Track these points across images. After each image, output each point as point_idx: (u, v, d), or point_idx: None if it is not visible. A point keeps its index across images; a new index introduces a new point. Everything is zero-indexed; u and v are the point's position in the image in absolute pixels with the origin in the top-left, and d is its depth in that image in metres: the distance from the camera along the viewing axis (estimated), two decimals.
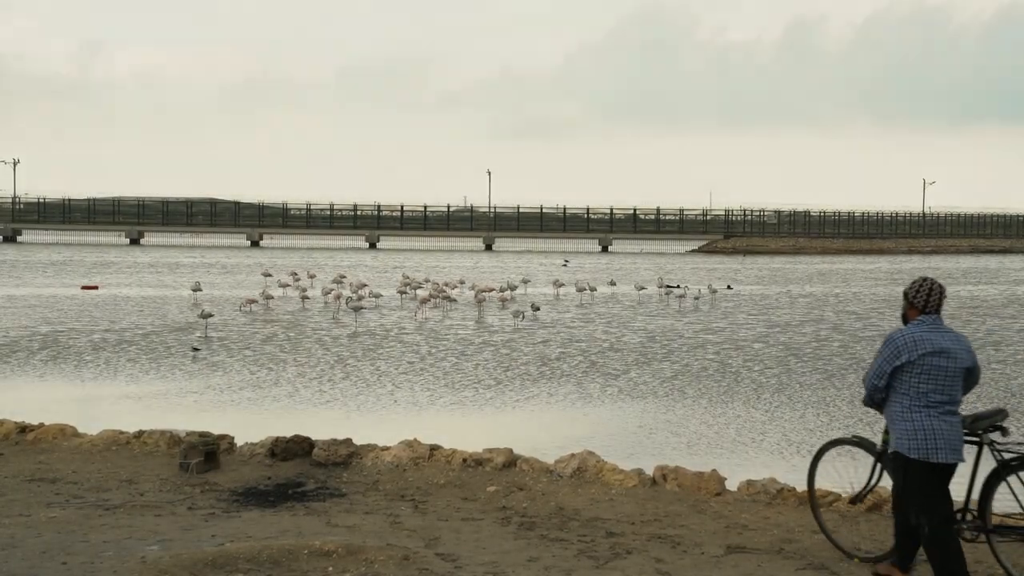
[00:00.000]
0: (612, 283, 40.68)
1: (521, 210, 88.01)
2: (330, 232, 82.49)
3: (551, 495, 9.02)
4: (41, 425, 11.58)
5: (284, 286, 36.65)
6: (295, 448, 10.41)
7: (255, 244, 77.78)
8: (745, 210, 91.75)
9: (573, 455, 9.85)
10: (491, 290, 33.75)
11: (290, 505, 8.95)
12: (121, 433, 11.26)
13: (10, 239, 77.65)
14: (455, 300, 32.64)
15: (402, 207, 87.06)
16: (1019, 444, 7.03)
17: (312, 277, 40.16)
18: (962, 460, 6.84)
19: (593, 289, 35.89)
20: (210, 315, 25.85)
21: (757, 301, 35.76)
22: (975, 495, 7.07)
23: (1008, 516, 7.14)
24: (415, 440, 10.43)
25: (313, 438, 10.51)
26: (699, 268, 55.77)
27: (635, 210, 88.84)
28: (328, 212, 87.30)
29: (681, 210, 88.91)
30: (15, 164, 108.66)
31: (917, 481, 6.78)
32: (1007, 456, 6.94)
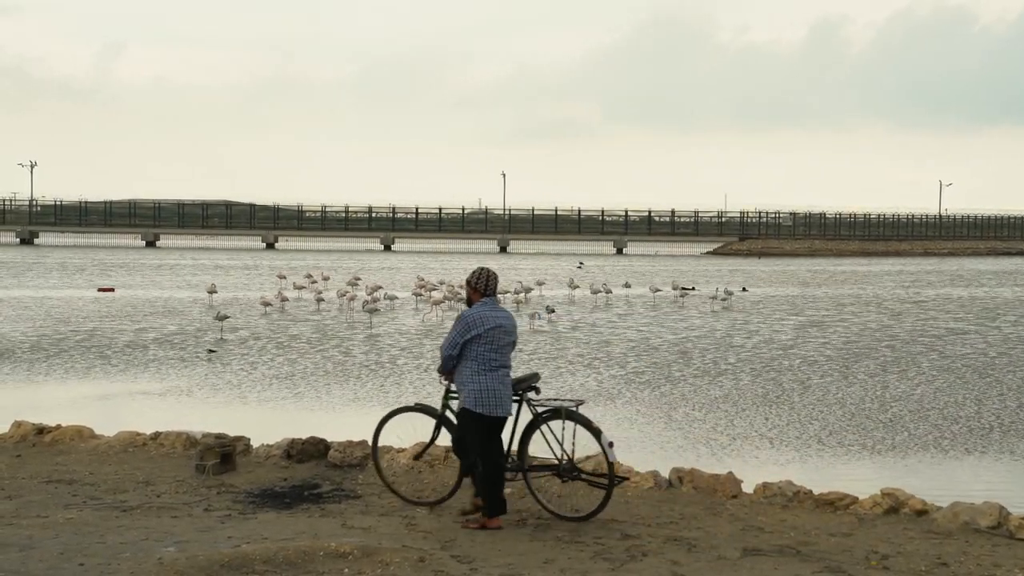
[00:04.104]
0: (627, 285, 40.63)
1: (536, 212, 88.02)
2: (345, 234, 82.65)
3: (566, 497, 9.00)
4: (58, 427, 11.63)
5: (299, 288, 36.74)
6: (311, 450, 10.43)
7: (270, 246, 78.00)
8: (760, 212, 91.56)
9: (588, 457, 9.81)
10: (506, 292, 33.74)
11: (306, 507, 8.97)
12: (138, 435, 11.31)
13: (27, 241, 78.04)
14: None
15: (417, 209, 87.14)
16: (549, 400, 8.81)
17: (327, 279, 40.24)
18: (511, 414, 8.53)
19: (608, 291, 35.86)
20: (226, 317, 25.93)
21: (788, 302, 35.67)
22: (516, 441, 8.66)
23: (539, 458, 8.74)
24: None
25: (328, 440, 10.53)
26: (725, 270, 55.67)
27: (650, 212, 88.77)
28: (343, 214, 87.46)
29: (696, 212, 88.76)
30: (32, 167, 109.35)
31: (479, 431, 8.34)
32: (540, 410, 8.67)
